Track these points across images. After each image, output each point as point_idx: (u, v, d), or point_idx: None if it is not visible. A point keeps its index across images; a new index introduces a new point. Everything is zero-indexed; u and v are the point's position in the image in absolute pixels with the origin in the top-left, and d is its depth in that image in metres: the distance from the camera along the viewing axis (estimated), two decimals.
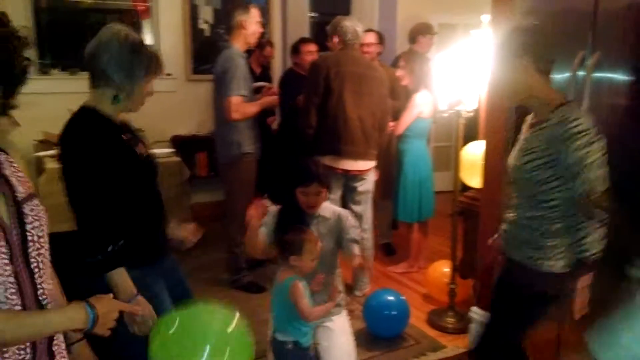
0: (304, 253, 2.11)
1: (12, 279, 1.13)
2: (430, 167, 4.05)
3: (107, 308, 1.22)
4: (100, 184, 1.71)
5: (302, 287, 2.09)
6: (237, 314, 1.57)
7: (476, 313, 3.07)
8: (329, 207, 2.46)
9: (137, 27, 5.42)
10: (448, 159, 6.30)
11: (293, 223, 2.26)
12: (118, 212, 1.75)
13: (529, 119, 1.97)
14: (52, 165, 3.81)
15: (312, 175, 2.34)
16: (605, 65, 2.13)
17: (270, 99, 3.71)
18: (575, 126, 1.70)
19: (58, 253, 2.23)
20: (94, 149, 1.72)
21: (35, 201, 1.22)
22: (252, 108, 3.55)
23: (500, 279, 2.06)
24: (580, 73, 2.21)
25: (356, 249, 2.38)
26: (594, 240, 1.79)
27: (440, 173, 6.20)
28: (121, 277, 1.72)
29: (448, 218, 3.45)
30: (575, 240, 1.82)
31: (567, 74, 2.24)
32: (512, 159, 1.97)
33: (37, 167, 4.51)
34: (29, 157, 4.71)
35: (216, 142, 3.75)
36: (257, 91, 3.73)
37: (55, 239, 2.42)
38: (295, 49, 4.63)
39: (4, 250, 1.12)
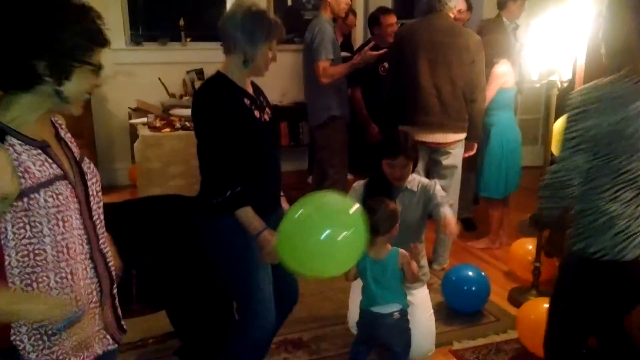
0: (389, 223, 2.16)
1: (82, 232, 1.27)
2: (519, 139, 3.89)
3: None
4: (218, 138, 1.93)
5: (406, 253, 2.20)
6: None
7: None
8: (415, 179, 2.44)
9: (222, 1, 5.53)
10: (535, 132, 6.00)
11: (380, 194, 2.26)
12: (235, 163, 1.94)
13: None
14: (145, 132, 4.02)
15: (400, 148, 2.31)
16: None
17: (368, 55, 3.61)
18: None
19: (158, 213, 2.40)
20: (215, 108, 1.94)
21: (87, 160, 1.35)
22: (341, 69, 3.64)
23: None
24: None
25: (446, 210, 2.32)
26: None
27: (526, 147, 5.93)
28: (246, 215, 1.94)
29: (535, 194, 3.30)
30: None
31: None
32: None
33: (132, 134, 4.78)
34: (125, 124, 5.00)
35: (307, 106, 3.88)
36: (343, 61, 3.76)
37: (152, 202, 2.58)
38: (375, 20, 4.46)
39: (76, 206, 1.25)
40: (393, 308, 2.21)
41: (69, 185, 1.23)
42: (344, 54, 4.07)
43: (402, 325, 2.25)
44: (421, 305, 2.46)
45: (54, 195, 1.18)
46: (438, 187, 2.42)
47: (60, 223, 1.19)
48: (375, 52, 3.63)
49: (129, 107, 4.85)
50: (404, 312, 2.24)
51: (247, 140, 1.97)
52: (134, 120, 4.51)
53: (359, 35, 5.80)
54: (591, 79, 2.66)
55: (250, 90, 2.07)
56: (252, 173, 2.00)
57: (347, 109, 3.80)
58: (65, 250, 1.21)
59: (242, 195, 1.93)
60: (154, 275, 2.35)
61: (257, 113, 2.03)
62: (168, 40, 5.23)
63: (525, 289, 3.24)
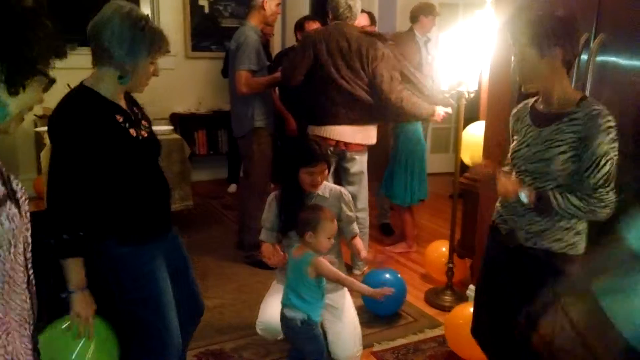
0: (320, 231, 2.13)
1: (23, 257, 1.11)
2: (423, 149, 4.05)
3: None
4: (77, 166, 1.67)
5: (324, 260, 2.14)
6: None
7: (473, 291, 3.12)
8: (326, 186, 2.49)
9: (136, 4, 5.37)
10: (447, 140, 6.31)
11: (293, 203, 2.29)
12: (92, 197, 1.71)
13: (532, 104, 1.92)
14: None
15: (319, 155, 2.35)
16: (609, 48, 2.09)
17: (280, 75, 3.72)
18: (607, 121, 1.70)
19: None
20: (78, 130, 1.66)
21: (13, 176, 1.18)
22: (262, 81, 3.62)
23: (514, 265, 1.98)
24: (583, 57, 2.16)
25: (355, 228, 2.45)
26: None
27: (440, 155, 6.23)
28: (73, 268, 1.69)
29: (447, 200, 3.47)
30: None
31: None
32: (526, 150, 1.89)
33: (37, 143, 4.50)
34: (30, 132, 4.70)
35: (231, 116, 3.84)
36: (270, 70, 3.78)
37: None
38: (300, 26, 4.59)
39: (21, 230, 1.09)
40: (297, 315, 2.18)
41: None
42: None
43: (308, 333, 2.19)
44: (346, 308, 2.51)
45: (9, 217, 1.02)
46: (346, 199, 2.48)
47: (12, 249, 1.04)
48: None
49: (35, 115, 4.58)
50: (308, 323, 2.18)
51: (119, 162, 1.74)
52: (40, 129, 4.26)
53: (276, 43, 5.84)
54: (495, 90, 2.88)
55: (123, 104, 1.81)
56: (128, 196, 1.79)
57: (271, 120, 3.78)
58: (11, 281, 1.05)
59: (78, 243, 1.68)
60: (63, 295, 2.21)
61: (132, 131, 1.78)
62: (77, 45, 4.99)
63: (440, 289, 3.38)
